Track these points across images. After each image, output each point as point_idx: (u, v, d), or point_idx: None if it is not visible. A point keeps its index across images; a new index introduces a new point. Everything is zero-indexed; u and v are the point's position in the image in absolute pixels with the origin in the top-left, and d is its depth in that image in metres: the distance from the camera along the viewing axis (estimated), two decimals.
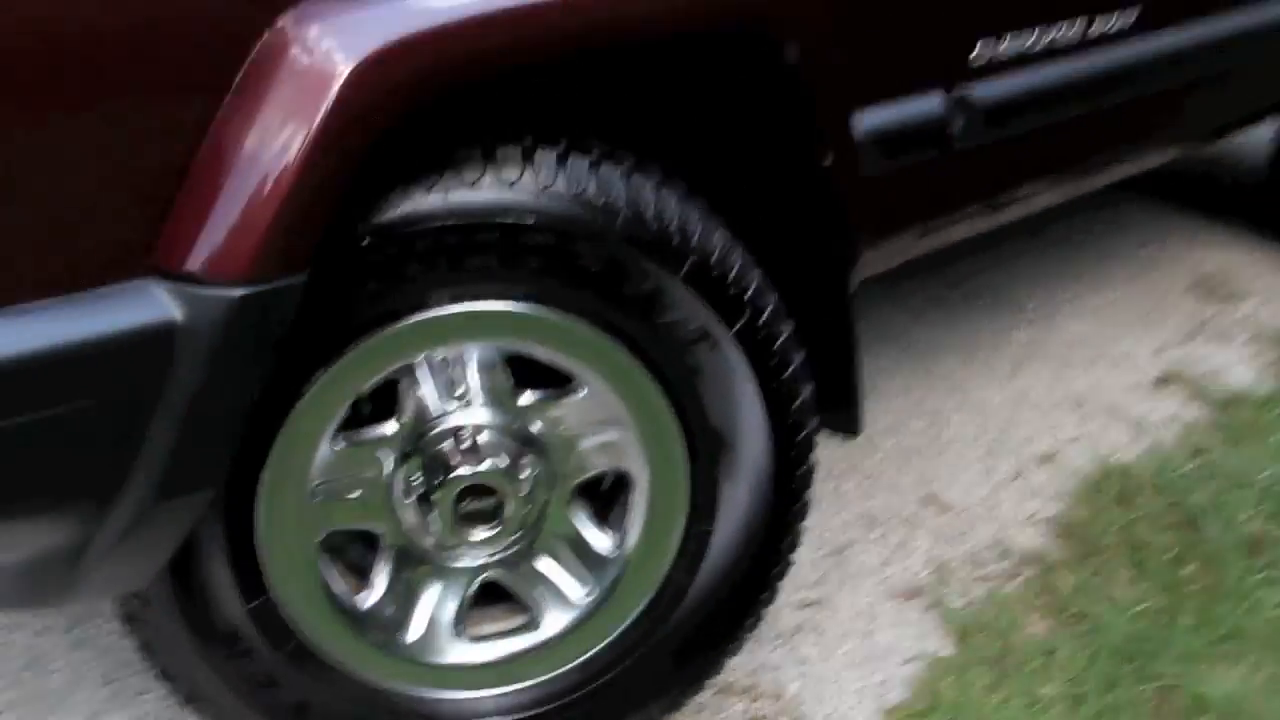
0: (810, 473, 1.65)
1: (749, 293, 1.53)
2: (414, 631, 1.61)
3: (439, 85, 1.26)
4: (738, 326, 1.53)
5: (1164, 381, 2.80)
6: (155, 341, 1.19)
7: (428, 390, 1.54)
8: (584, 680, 1.63)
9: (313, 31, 1.20)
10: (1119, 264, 3.33)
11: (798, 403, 1.59)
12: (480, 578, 1.63)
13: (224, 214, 1.19)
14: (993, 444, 2.53)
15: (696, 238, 1.49)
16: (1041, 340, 2.93)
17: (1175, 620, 2.06)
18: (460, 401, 1.55)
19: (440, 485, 1.53)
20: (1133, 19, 2.20)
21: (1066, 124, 2.14)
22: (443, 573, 1.61)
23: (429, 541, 1.57)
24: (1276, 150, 3.35)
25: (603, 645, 1.64)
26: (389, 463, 1.54)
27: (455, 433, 1.54)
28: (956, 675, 1.94)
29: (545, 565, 1.64)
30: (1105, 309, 3.10)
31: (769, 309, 1.55)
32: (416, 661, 1.61)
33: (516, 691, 1.62)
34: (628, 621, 1.64)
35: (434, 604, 1.62)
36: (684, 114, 1.63)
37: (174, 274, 1.20)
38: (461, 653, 1.62)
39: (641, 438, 1.57)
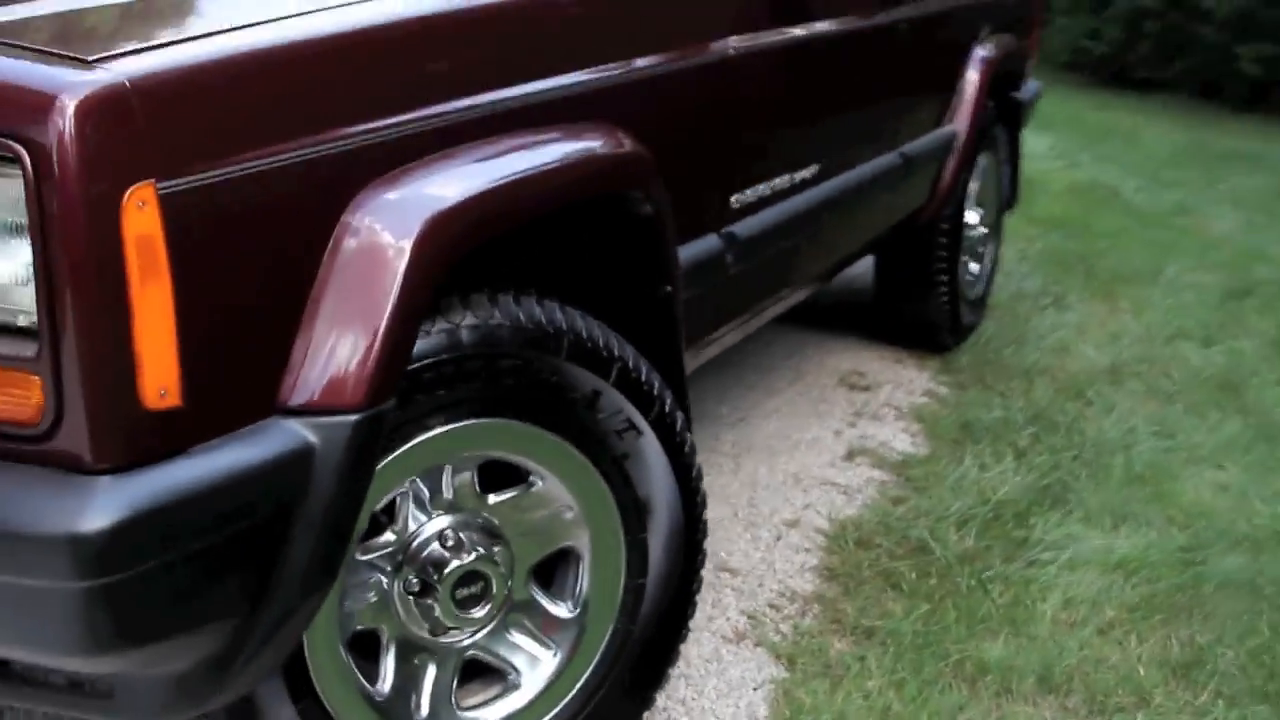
0: (705, 526, 2.10)
1: (655, 388, 1.98)
2: (424, 710, 1.90)
3: (459, 247, 1.65)
4: (652, 415, 1.97)
5: (851, 455, 3.45)
6: (299, 463, 1.48)
7: (413, 502, 1.86)
8: (575, 713, 1.97)
9: (379, 216, 1.56)
10: (777, 374, 4.00)
11: (694, 470, 2.05)
12: (465, 655, 1.94)
13: (338, 358, 1.51)
14: (748, 519, 3.05)
15: (617, 350, 1.93)
16: (747, 438, 3.51)
17: (941, 617, 2.64)
18: (438, 508, 1.88)
19: (439, 579, 1.85)
20: (815, 171, 2.86)
21: (786, 248, 2.74)
22: (436, 655, 1.91)
23: (424, 630, 1.88)
24: (878, 278, 4.18)
25: (574, 692, 1.99)
26: (387, 568, 1.85)
27: (440, 534, 1.87)
28: (801, 688, 2.40)
29: (517, 637, 1.98)
30: (784, 408, 3.73)
31: (669, 399, 2.01)
32: None
33: None
34: (590, 669, 2.00)
35: (433, 683, 1.91)
36: (576, 259, 2.07)
37: (299, 409, 1.50)
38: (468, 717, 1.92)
39: (586, 515, 1.96)
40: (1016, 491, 3.20)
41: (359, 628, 1.84)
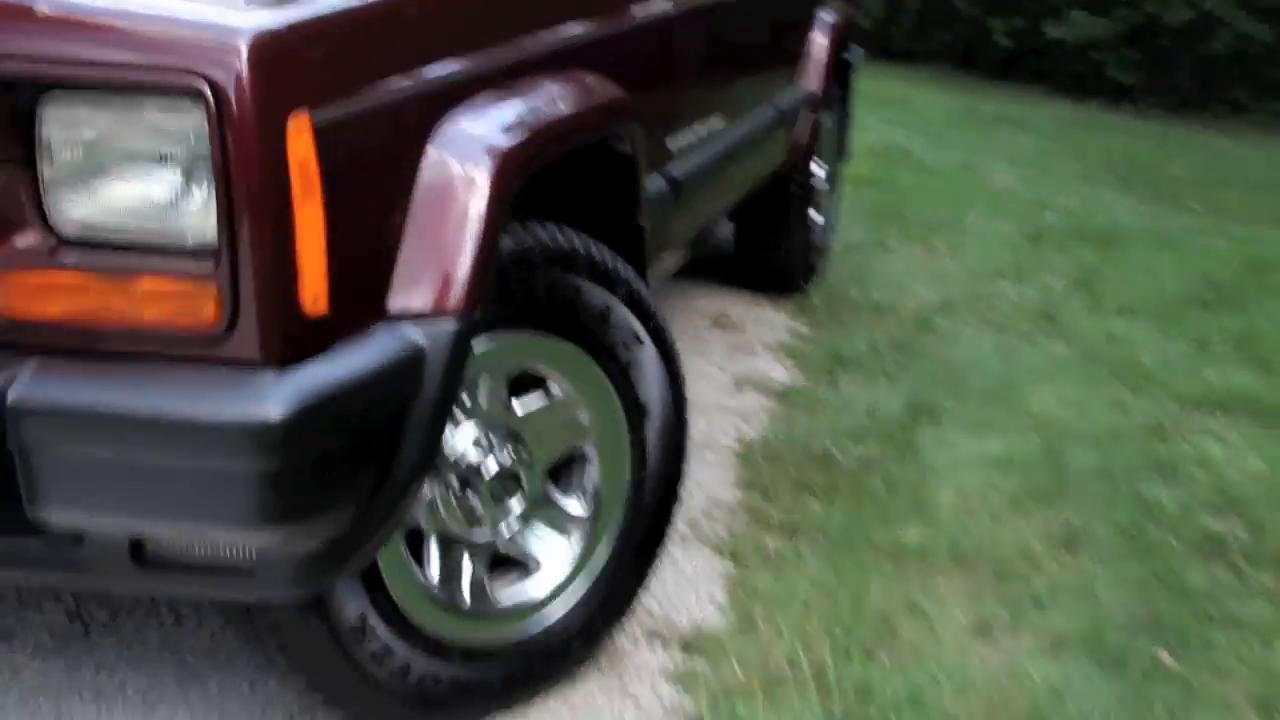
0: (687, 425, 2.38)
1: (652, 304, 2.25)
2: (466, 598, 2.12)
3: (522, 175, 1.88)
4: (650, 328, 2.24)
5: (738, 385, 3.77)
6: (414, 362, 1.70)
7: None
8: (590, 594, 2.22)
9: (463, 147, 1.78)
10: None
11: (681, 373, 2.32)
12: (495, 549, 2.17)
13: (439, 270, 1.73)
14: None
15: (623, 271, 2.19)
16: None
17: (857, 512, 2.99)
18: (472, 416, 2.10)
19: (479, 479, 2.07)
20: (722, 121, 3.16)
21: (704, 188, 3.04)
22: (471, 550, 2.14)
23: (462, 527, 2.10)
24: (738, 229, 4.50)
25: (589, 575, 2.24)
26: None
27: (475, 440, 2.10)
28: (752, 577, 2.71)
29: (539, 530, 2.22)
30: None
31: (659, 313, 2.28)
32: (469, 616, 2.12)
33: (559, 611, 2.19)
34: (601, 555, 2.25)
35: (470, 574, 2.14)
36: (566, 193, 2.31)
37: (407, 315, 1.72)
38: (504, 602, 2.15)
39: (597, 419, 2.21)
40: (895, 408, 3.58)
41: (409, 525, 2.05)
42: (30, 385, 1.49)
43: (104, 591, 2.33)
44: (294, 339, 1.55)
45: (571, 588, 2.23)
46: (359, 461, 1.65)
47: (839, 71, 4.70)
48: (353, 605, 1.94)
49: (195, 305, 1.52)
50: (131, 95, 1.50)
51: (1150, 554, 2.88)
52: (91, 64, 1.49)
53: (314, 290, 1.56)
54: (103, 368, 1.52)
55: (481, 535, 2.13)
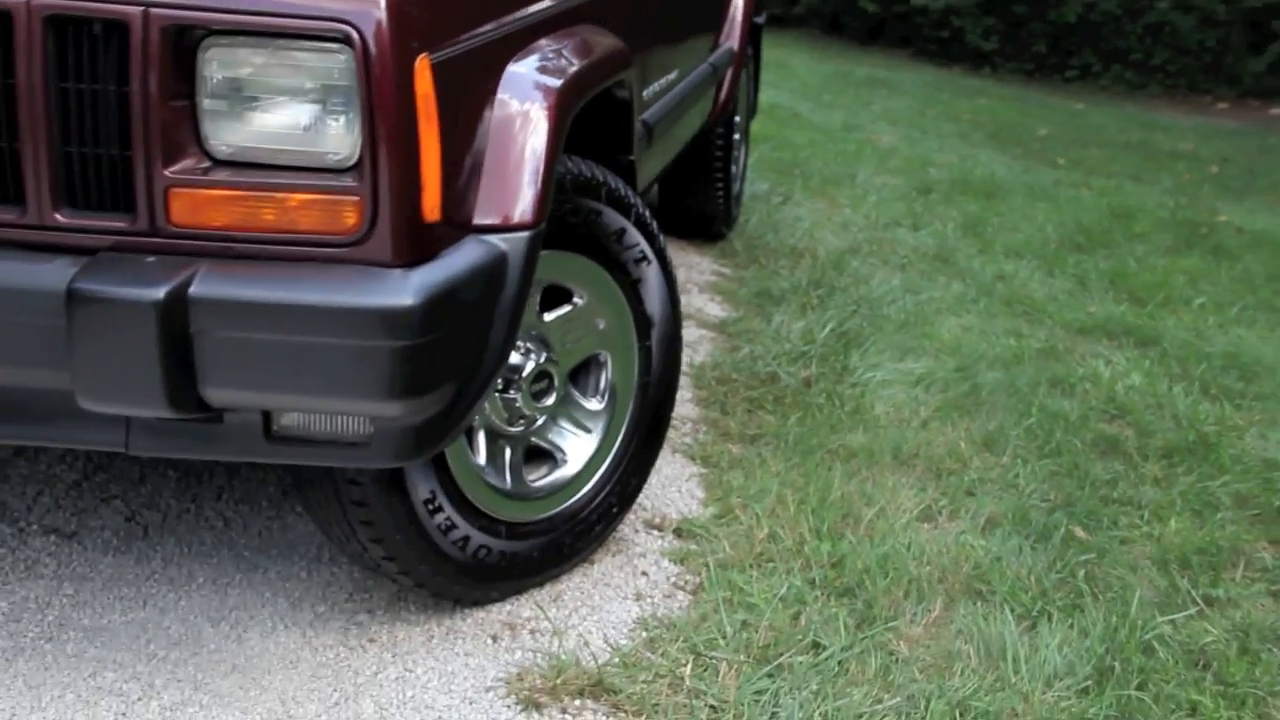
0: (681, 335, 2.74)
1: (655, 227, 2.60)
2: (508, 481, 2.46)
3: (571, 112, 2.22)
4: (655, 248, 2.60)
5: None
6: (500, 266, 2.02)
7: None
8: (607, 478, 2.58)
9: (525, 87, 2.11)
10: None
11: (677, 290, 2.68)
12: (529, 441, 2.51)
13: (513, 190, 2.06)
14: None
15: (633, 197, 2.54)
16: None
17: (806, 423, 3.38)
18: None
19: (520, 378, 2.41)
20: (676, 74, 3.52)
21: (666, 133, 3.39)
22: (510, 440, 2.47)
23: (503, 420, 2.44)
24: (661, 184, 4.85)
25: (607, 461, 2.59)
26: None
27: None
28: (724, 475, 3.08)
29: (564, 425, 2.57)
30: None
31: (660, 236, 2.63)
32: (510, 497, 2.46)
33: (583, 493, 2.54)
34: (617, 444, 2.60)
35: (509, 462, 2.47)
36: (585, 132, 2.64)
37: (489, 228, 2.04)
38: (536, 487, 2.50)
39: (612, 328, 2.56)
40: (825, 336, 3.99)
41: None
42: (207, 281, 1.78)
43: (235, 462, 2.57)
44: (416, 243, 1.87)
45: (593, 474, 2.58)
46: (462, 345, 1.97)
47: (751, 32, 5.09)
48: (424, 484, 2.27)
49: (339, 214, 1.82)
50: (284, 39, 1.79)
51: (1058, 452, 3.33)
52: (250, 12, 1.78)
53: (431, 203, 1.88)
54: (264, 267, 1.82)
55: (518, 428, 2.47)
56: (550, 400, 2.47)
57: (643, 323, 2.61)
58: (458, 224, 1.97)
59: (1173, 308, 4.60)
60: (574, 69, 2.24)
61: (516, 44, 2.16)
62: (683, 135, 3.94)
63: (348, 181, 1.82)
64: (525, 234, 2.05)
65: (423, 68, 1.83)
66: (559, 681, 2.25)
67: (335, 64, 1.79)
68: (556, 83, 2.16)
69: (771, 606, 2.51)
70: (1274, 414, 3.70)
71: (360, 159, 1.81)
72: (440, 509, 2.29)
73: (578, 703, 2.22)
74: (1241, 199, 6.78)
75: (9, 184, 1.84)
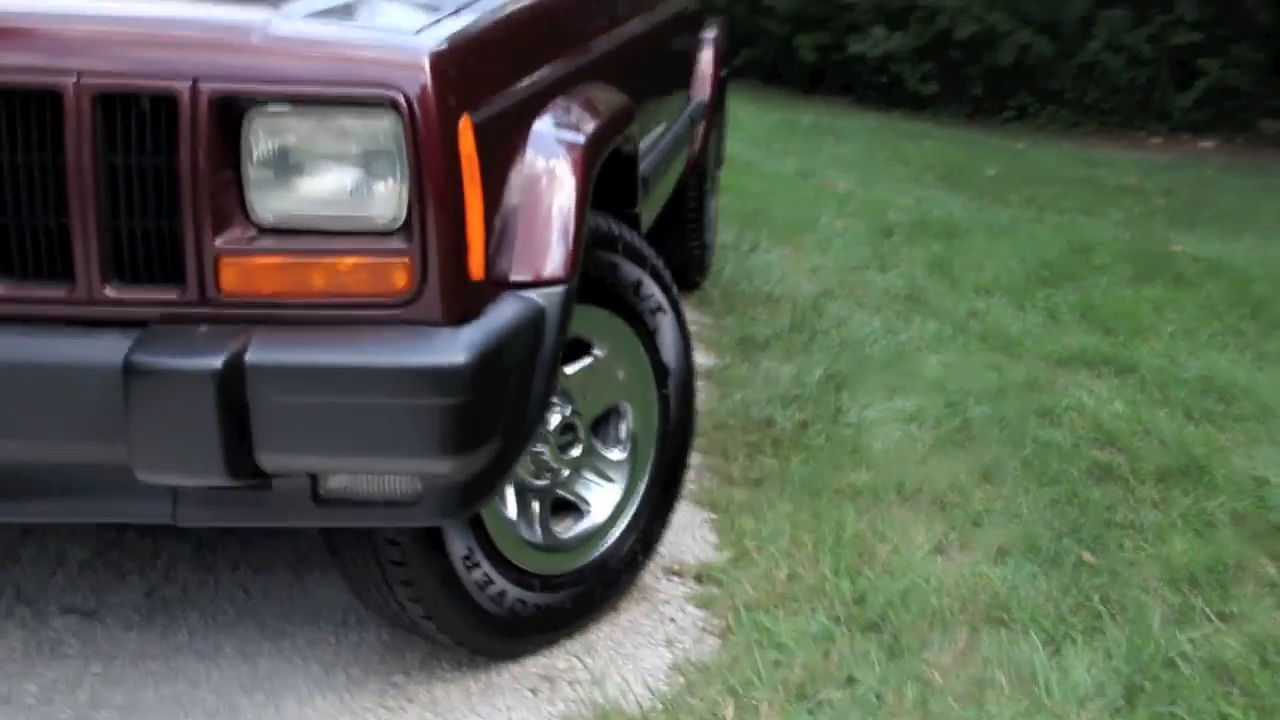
0: (695, 382, 2.79)
1: (669, 278, 2.65)
2: (538, 533, 2.48)
3: (596, 169, 2.27)
4: (670, 299, 2.65)
5: None
6: (538, 321, 2.06)
7: None
8: (631, 526, 2.61)
9: (551, 145, 2.16)
10: None
11: (689, 338, 2.73)
12: (555, 493, 2.54)
13: (548, 245, 2.10)
14: None
15: (647, 249, 2.59)
16: None
17: (809, 464, 3.43)
18: None
19: (547, 432, 2.44)
20: (664, 127, 3.59)
21: (660, 181, 3.45)
22: (537, 494, 2.50)
23: (530, 475, 2.46)
24: None
25: (630, 510, 2.62)
26: None
27: None
28: (736, 519, 3.11)
29: (588, 476, 2.60)
30: None
31: (674, 286, 2.68)
32: (542, 550, 2.48)
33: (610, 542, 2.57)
34: (640, 492, 2.64)
35: (538, 515, 2.50)
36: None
37: (525, 284, 2.08)
38: (565, 539, 2.52)
39: (631, 378, 2.60)
40: (813, 378, 4.04)
41: None
42: (262, 348, 1.80)
43: (281, 526, 2.56)
44: (463, 302, 1.91)
45: (618, 523, 2.61)
46: (508, 400, 2.00)
47: (719, 84, 5.18)
48: (461, 541, 2.29)
49: (389, 276, 1.86)
50: (328, 106, 1.83)
51: (1055, 481, 3.40)
52: (297, 82, 1.82)
53: (476, 262, 1.92)
54: (316, 331, 1.85)
55: (544, 481, 2.49)
56: (576, 452, 2.50)
57: (660, 371, 2.65)
58: (497, 281, 2.01)
59: (1144, 336, 4.71)
60: (593, 125, 2.29)
61: (539, 103, 2.21)
62: (668, 187, 4.00)
63: (397, 244, 1.85)
64: (560, 289, 2.09)
65: (465, 128, 1.87)
66: None
67: (381, 128, 1.83)
68: (581, 139, 2.21)
69: (801, 645, 2.55)
70: (1255, 434, 3.80)
71: (408, 220, 1.85)
72: (478, 565, 2.31)
73: None
74: (1191, 229, 6.94)
75: (56, 260, 1.86)
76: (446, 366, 1.84)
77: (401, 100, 1.81)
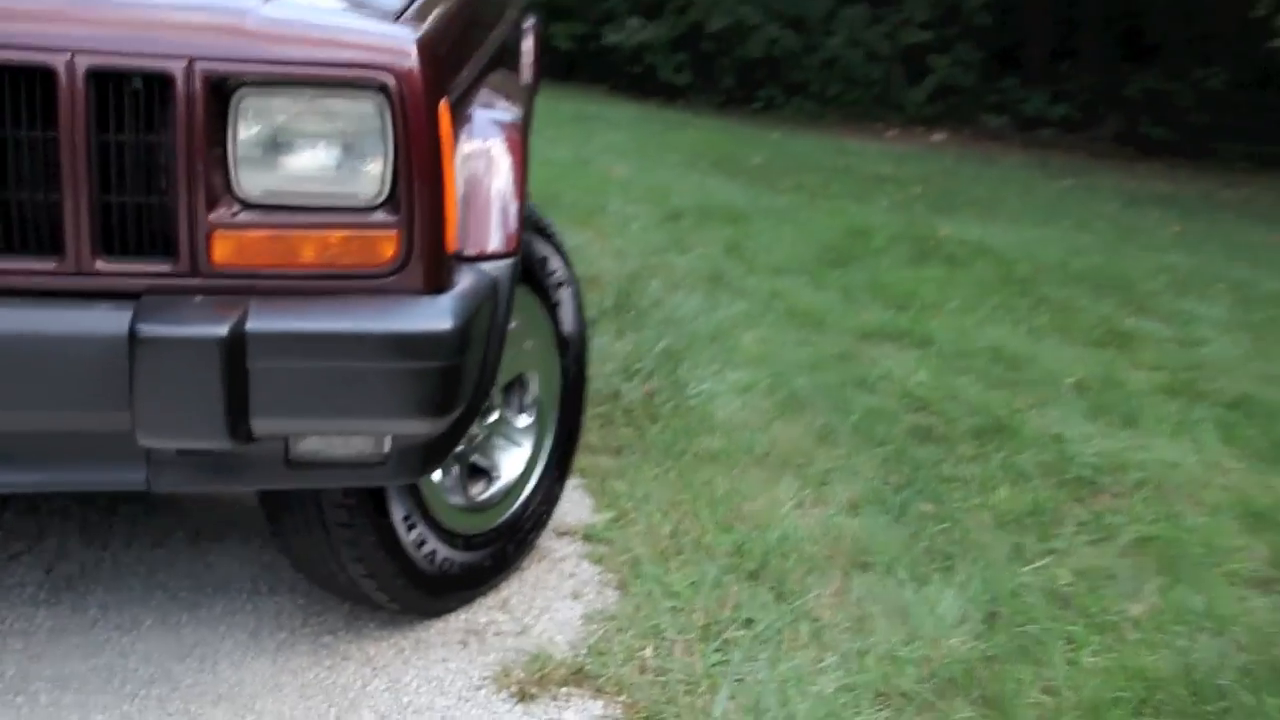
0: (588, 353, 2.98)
1: (567, 256, 2.84)
2: (456, 496, 2.63)
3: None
4: (569, 274, 2.83)
5: None
6: (496, 291, 2.21)
7: None
8: (538, 488, 2.78)
9: (488, 130, 2.32)
10: None
11: (584, 312, 2.92)
12: (470, 459, 2.69)
13: (497, 221, 2.25)
14: None
15: (551, 227, 2.77)
16: None
17: (666, 431, 3.66)
18: None
19: None
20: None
21: None
22: (457, 458, 2.64)
23: None
24: None
25: (536, 472, 2.79)
26: None
27: None
28: (607, 482, 3.32)
29: (498, 442, 2.76)
30: None
31: (571, 264, 2.87)
32: (465, 511, 2.63)
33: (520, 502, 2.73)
34: (544, 455, 2.82)
35: (456, 478, 2.65)
36: None
37: (477, 258, 2.23)
38: (478, 499, 2.68)
39: (537, 347, 2.78)
40: (652, 354, 4.28)
41: None
42: (262, 316, 1.90)
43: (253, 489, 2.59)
44: (442, 272, 2.04)
45: (527, 485, 2.78)
46: (476, 364, 2.14)
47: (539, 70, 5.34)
48: (401, 504, 2.42)
49: (377, 248, 1.98)
50: (318, 87, 1.94)
51: (883, 442, 3.73)
52: (292, 63, 1.92)
53: (451, 235, 2.06)
54: (310, 301, 1.95)
55: (463, 447, 2.64)
56: (492, 418, 2.66)
57: (561, 342, 2.83)
58: (460, 255, 2.15)
59: (932, 312, 5.14)
60: (519, 108, 2.45)
61: (476, 88, 2.36)
62: None
63: (386, 217, 1.97)
64: (509, 261, 2.25)
65: (444, 110, 2.01)
66: (543, 673, 2.44)
67: (368, 109, 1.95)
68: (515, 120, 2.37)
69: (696, 593, 2.78)
70: (1044, 396, 4.24)
71: (393, 196, 1.97)
72: (415, 526, 2.45)
73: (565, 690, 2.42)
74: (951, 215, 7.52)
75: (44, 235, 1.90)
76: (437, 332, 1.97)
77: (391, 83, 1.93)
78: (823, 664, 2.53)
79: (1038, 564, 3.02)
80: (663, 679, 2.46)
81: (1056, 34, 14.81)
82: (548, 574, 2.86)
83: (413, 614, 2.59)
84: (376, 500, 2.37)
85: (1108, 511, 3.33)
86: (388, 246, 1.98)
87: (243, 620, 2.61)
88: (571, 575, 2.87)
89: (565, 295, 2.80)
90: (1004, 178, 9.64)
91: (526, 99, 2.69)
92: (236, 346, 1.87)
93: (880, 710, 2.38)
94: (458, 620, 2.64)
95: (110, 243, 1.91)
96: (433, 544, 2.50)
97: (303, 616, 2.63)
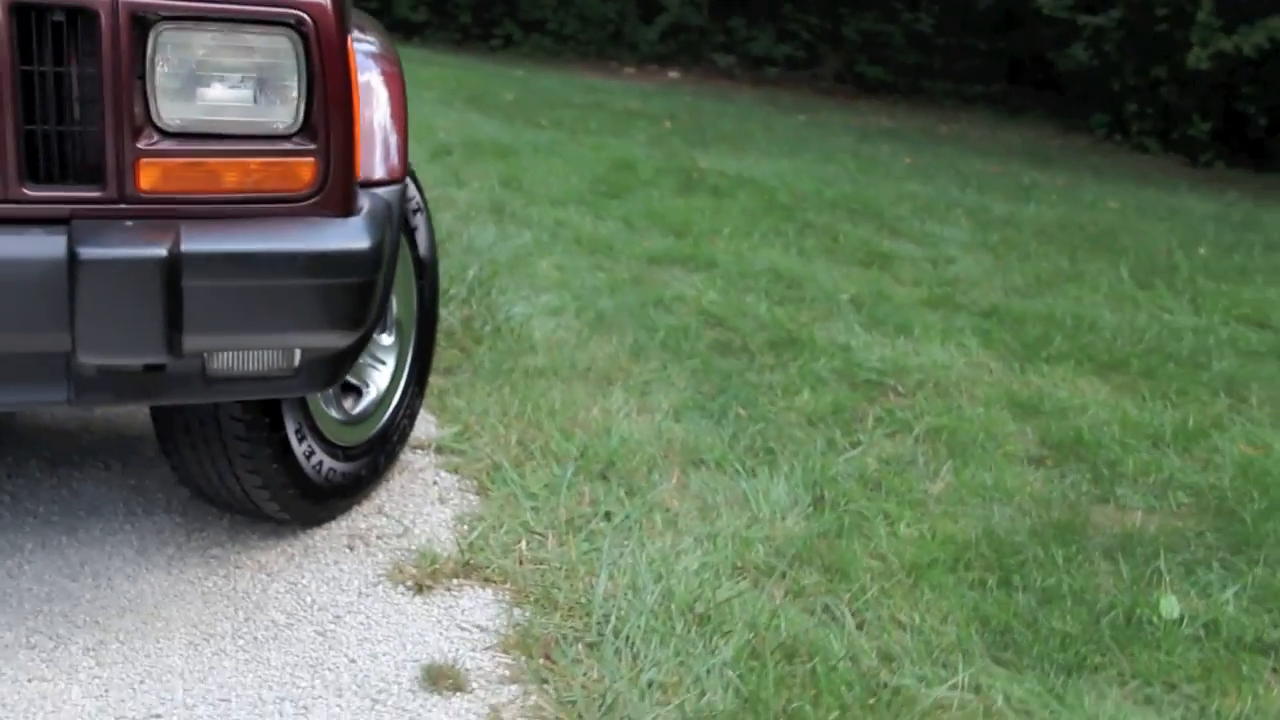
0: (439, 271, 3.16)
1: (420, 183, 3.00)
2: (338, 411, 2.79)
3: None
4: (424, 199, 3.00)
5: None
6: (390, 214, 2.38)
7: None
8: (401, 401, 2.95)
9: (375, 64, 2.47)
10: None
11: (434, 233, 3.10)
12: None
13: (387, 149, 2.42)
14: None
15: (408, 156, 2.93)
16: None
17: (492, 351, 3.87)
18: None
19: None
20: None
21: None
22: None
23: None
24: None
25: (400, 386, 2.97)
26: None
27: None
28: (446, 399, 3.52)
29: (365, 359, 2.91)
30: None
31: (424, 192, 3.04)
32: (343, 424, 2.79)
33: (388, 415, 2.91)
34: (405, 369, 2.99)
35: (333, 394, 2.80)
36: None
37: (372, 183, 2.39)
38: (353, 412, 2.84)
39: (399, 269, 2.93)
40: (461, 282, 4.46)
41: None
42: (195, 238, 2.01)
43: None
44: (350, 197, 2.20)
45: (393, 398, 2.95)
46: (383, 280, 2.31)
47: None
48: (293, 417, 2.57)
49: (296, 173, 2.11)
50: (236, 23, 2.06)
51: (690, 355, 4.04)
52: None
53: (358, 162, 2.22)
54: (237, 224, 2.08)
55: None
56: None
57: (418, 265, 3.00)
58: (361, 181, 2.31)
59: (709, 238, 5.48)
60: (386, 42, 2.61)
61: (354, 24, 2.50)
62: None
63: (304, 144, 2.11)
64: (398, 186, 2.42)
65: (350, 44, 2.16)
66: (434, 568, 2.64)
67: (286, 45, 2.08)
68: (391, 54, 2.53)
69: (553, 492, 3.01)
70: (823, 311, 4.65)
71: (307, 125, 2.10)
72: (305, 438, 2.60)
73: (457, 581, 2.63)
74: (706, 149, 7.90)
75: None
76: (359, 250, 2.13)
77: (307, 19, 2.06)
78: (681, 547, 2.81)
79: (848, 455, 3.38)
80: (541, 567, 2.69)
81: None
82: (411, 483, 3.04)
83: (300, 523, 2.74)
84: (271, 415, 2.51)
85: (898, 408, 3.74)
86: (306, 171, 2.12)
87: (126, 539, 2.70)
88: (434, 484, 3.06)
89: (420, 221, 2.97)
90: (743, 114, 10.12)
91: (385, 32, 2.83)
92: (173, 266, 1.99)
93: (740, 581, 2.68)
94: (339, 528, 2.80)
95: (36, 170, 1.98)
96: (319, 455, 2.65)
97: (185, 532, 2.74)
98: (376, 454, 2.87)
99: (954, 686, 2.35)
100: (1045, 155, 9.91)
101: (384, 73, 2.44)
